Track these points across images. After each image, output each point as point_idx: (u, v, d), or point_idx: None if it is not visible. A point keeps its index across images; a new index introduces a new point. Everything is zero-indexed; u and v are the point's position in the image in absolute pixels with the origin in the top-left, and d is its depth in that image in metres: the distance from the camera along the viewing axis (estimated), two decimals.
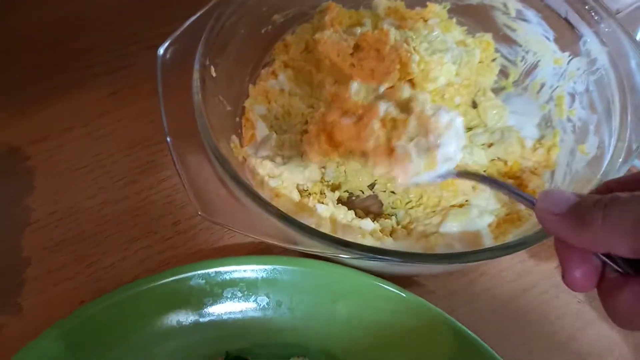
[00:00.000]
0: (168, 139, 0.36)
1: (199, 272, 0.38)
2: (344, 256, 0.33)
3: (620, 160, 0.36)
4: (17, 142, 0.49)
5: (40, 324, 0.36)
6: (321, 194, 0.43)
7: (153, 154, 0.49)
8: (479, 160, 0.43)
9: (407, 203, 0.44)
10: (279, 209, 0.33)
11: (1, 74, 0.52)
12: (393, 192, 0.45)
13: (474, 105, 0.49)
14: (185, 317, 0.37)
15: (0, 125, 0.50)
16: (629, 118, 0.37)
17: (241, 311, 0.38)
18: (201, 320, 0.38)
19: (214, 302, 0.38)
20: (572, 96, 0.44)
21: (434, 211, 0.42)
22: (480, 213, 0.40)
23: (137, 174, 0.47)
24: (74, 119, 0.50)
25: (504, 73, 0.50)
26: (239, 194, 0.34)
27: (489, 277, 0.43)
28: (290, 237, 0.33)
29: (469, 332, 0.35)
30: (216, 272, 0.38)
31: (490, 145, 0.45)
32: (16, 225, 0.45)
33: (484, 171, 0.44)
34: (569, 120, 0.44)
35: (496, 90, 0.49)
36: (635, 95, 0.37)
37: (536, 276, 0.43)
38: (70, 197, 0.46)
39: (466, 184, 0.41)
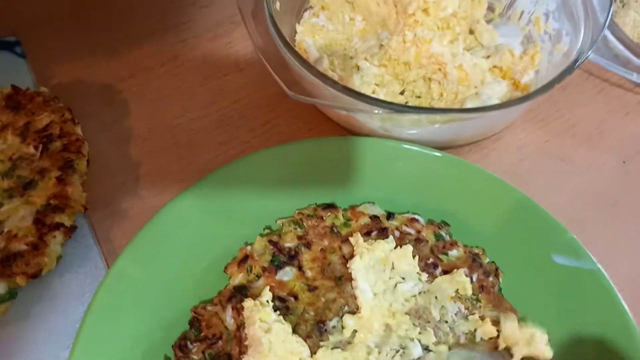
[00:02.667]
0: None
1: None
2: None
3: (587, 45, 0.50)
4: (109, 80, 0.60)
5: (157, 207, 0.46)
6: None
7: (223, 84, 0.60)
8: (481, 65, 0.57)
9: (430, 102, 0.57)
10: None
11: (82, 25, 0.63)
12: (419, 97, 0.58)
13: (471, 32, 0.62)
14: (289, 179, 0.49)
15: (92, 67, 0.60)
16: (590, 16, 0.51)
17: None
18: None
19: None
20: (547, 15, 0.59)
21: (453, 103, 0.55)
22: (489, 97, 0.53)
23: (213, 96, 0.59)
24: (152, 61, 0.61)
25: (491, 8, 0.64)
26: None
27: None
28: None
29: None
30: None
31: (488, 57, 0.59)
32: (122, 139, 0.56)
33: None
34: (546, 32, 0.59)
35: (486, 23, 0.63)
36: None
37: None
38: (161, 117, 0.57)
39: (476, 77, 0.55)
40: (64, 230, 0.47)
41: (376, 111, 0.44)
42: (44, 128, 0.52)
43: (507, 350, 0.41)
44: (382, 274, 0.43)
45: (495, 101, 0.53)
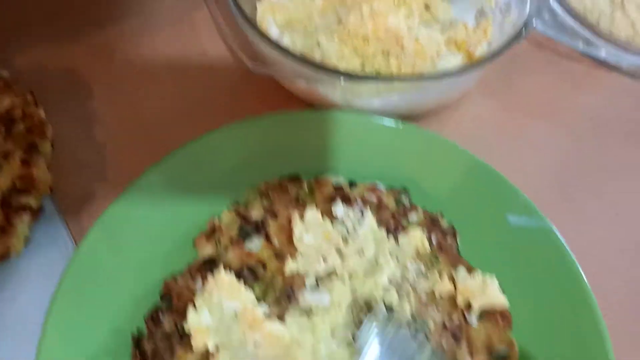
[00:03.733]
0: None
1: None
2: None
3: (533, 14, 0.53)
4: (71, 64, 0.60)
5: (125, 186, 0.47)
6: None
7: (187, 66, 0.61)
8: (436, 38, 0.59)
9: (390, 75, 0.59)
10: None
11: (44, 9, 0.63)
12: (378, 71, 0.59)
13: (427, 8, 0.64)
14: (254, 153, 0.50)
15: (54, 51, 0.60)
16: None
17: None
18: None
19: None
20: None
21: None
22: (445, 70, 0.56)
23: (178, 79, 0.59)
24: (115, 45, 0.62)
25: None
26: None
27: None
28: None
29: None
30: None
31: (443, 31, 0.61)
32: (86, 122, 0.56)
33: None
34: (497, 5, 0.61)
35: None
36: None
37: None
38: (126, 100, 0.58)
39: (432, 50, 0.57)
40: (31, 212, 0.48)
41: (338, 81, 0.45)
42: (6, 112, 0.52)
43: (467, 307, 0.44)
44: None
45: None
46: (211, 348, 0.39)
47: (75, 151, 0.54)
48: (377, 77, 0.47)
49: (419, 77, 0.48)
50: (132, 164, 0.52)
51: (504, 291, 0.44)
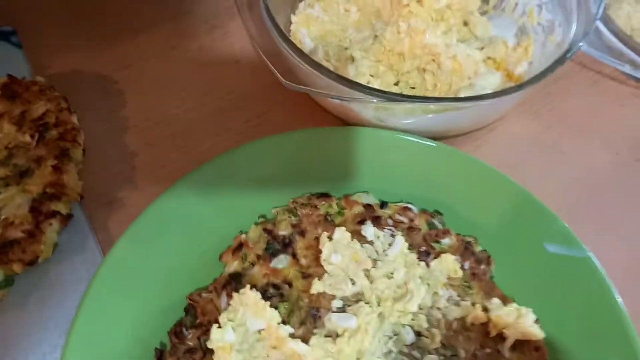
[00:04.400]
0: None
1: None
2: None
3: (580, 36, 0.51)
4: (105, 70, 0.60)
5: (153, 196, 0.46)
6: None
7: (218, 74, 0.61)
8: (474, 56, 0.57)
9: (424, 92, 0.57)
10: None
11: (79, 15, 0.63)
12: (413, 88, 0.58)
13: (465, 24, 0.63)
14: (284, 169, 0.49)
15: (88, 57, 0.60)
16: (583, 7, 0.52)
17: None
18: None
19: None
20: (540, 7, 0.59)
21: (446, 93, 0.56)
22: (483, 88, 0.54)
23: (209, 87, 0.59)
24: (149, 51, 0.62)
25: (485, 0, 0.64)
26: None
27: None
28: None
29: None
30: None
31: (481, 48, 0.60)
32: (118, 129, 0.56)
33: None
34: (539, 24, 0.59)
35: (480, 15, 0.64)
36: None
37: None
38: (157, 108, 0.58)
39: (470, 68, 0.55)
40: (60, 218, 0.48)
41: (371, 100, 0.44)
42: (40, 117, 0.53)
43: (500, 336, 0.42)
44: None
45: (488, 92, 0.54)
46: None
47: (106, 158, 0.54)
48: (412, 97, 0.45)
49: (456, 99, 0.47)
50: (163, 173, 0.53)
51: (538, 321, 0.42)
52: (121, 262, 0.44)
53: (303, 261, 0.45)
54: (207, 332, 0.41)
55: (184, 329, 0.42)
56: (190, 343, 0.42)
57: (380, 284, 0.43)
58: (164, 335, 0.43)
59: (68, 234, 0.48)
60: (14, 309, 0.45)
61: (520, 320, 0.41)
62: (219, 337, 0.40)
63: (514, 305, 0.42)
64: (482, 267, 0.46)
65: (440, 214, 0.49)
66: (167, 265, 0.45)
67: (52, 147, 0.51)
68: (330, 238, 0.44)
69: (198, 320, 0.43)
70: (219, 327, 0.40)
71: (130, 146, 0.55)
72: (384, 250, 0.45)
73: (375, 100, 0.45)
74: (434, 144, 0.51)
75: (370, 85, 0.46)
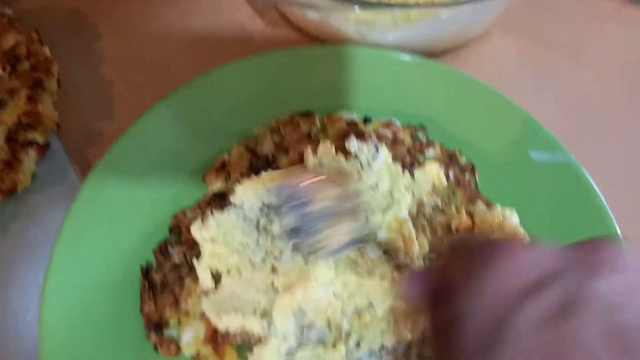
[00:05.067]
0: None
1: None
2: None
3: None
4: (75, 4, 0.58)
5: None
6: None
7: (193, 5, 0.59)
8: None
9: None
10: None
11: None
12: None
13: None
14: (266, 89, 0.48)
15: None
16: None
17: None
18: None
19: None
20: None
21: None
22: None
23: (184, 17, 0.57)
24: None
25: None
26: None
27: None
28: None
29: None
30: None
31: None
32: (93, 62, 0.54)
33: None
34: None
35: None
36: None
37: None
38: (133, 40, 0.56)
39: None
40: (38, 148, 0.47)
41: (352, 9, 0.43)
42: (11, 49, 0.51)
43: None
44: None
45: None
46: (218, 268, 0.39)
47: (82, 90, 0.52)
48: (392, 4, 0.44)
49: (438, 4, 0.45)
50: (140, 102, 0.51)
51: (524, 227, 0.42)
52: (100, 188, 0.43)
53: None
54: (192, 248, 0.41)
55: (169, 247, 0.42)
56: (176, 260, 0.41)
57: (366, 195, 0.43)
58: (149, 257, 0.42)
59: (47, 165, 0.48)
60: None
61: (505, 222, 0.41)
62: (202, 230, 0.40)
63: (498, 207, 0.42)
64: (467, 176, 0.45)
65: (424, 127, 0.48)
66: (149, 190, 0.45)
67: (25, 78, 0.49)
68: (314, 153, 0.44)
69: (183, 237, 0.42)
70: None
71: (107, 78, 0.53)
72: (368, 163, 0.44)
73: (356, 8, 0.44)
74: (418, 59, 0.50)
75: None
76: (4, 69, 0.50)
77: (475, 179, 0.46)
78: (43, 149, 0.47)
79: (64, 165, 0.48)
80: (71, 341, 0.38)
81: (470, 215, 0.42)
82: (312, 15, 0.50)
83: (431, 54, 0.54)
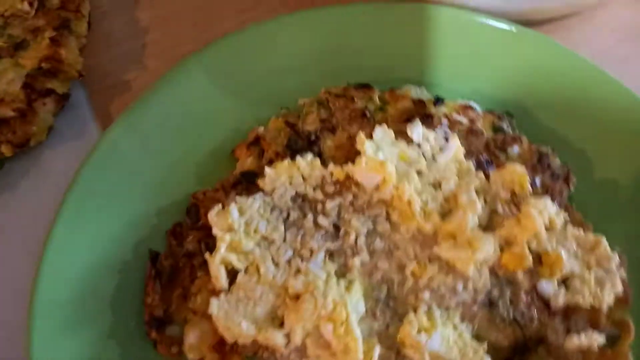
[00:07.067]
0: None
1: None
2: None
3: None
4: None
5: None
6: None
7: None
8: None
9: None
10: None
11: None
12: None
13: None
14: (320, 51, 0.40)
15: None
16: None
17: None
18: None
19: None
20: None
21: None
22: None
23: None
24: None
25: None
26: None
27: None
28: None
29: None
30: None
31: None
32: (129, 0, 0.48)
33: None
34: None
35: None
36: None
37: None
38: None
39: None
40: (56, 98, 0.41)
41: None
42: None
43: None
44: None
45: None
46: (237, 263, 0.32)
47: (113, 34, 0.46)
48: None
49: None
50: (177, 53, 0.45)
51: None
52: (118, 147, 0.37)
53: (330, 164, 0.36)
54: (210, 236, 0.35)
55: (183, 229, 0.36)
56: (190, 247, 0.35)
57: (424, 194, 0.34)
58: (161, 239, 0.36)
59: (66, 118, 0.42)
60: (2, 192, 0.40)
61: (598, 249, 0.32)
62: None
63: (590, 229, 0.32)
64: (559, 184, 0.36)
65: (511, 115, 0.38)
66: (171, 158, 0.38)
67: (52, 17, 0.44)
68: (369, 137, 0.35)
69: (201, 222, 0.36)
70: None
71: (142, 21, 0.47)
72: (433, 155, 0.36)
73: None
74: (515, 29, 0.39)
75: None
76: (31, 5, 0.44)
77: (570, 188, 0.36)
78: (62, 100, 0.42)
79: (85, 119, 0.43)
80: (62, 335, 0.33)
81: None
82: None
83: (532, 22, 0.43)
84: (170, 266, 0.35)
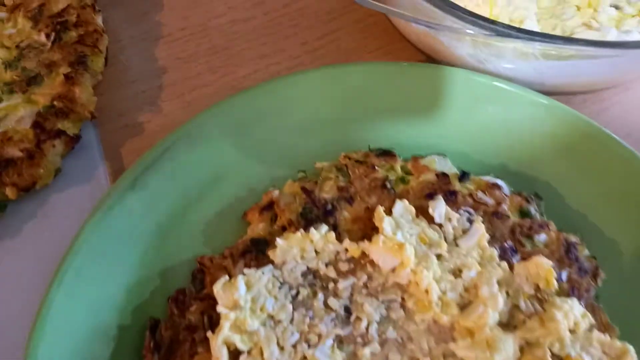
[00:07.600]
0: None
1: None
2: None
3: None
4: None
5: (179, 122, 0.38)
6: None
7: None
8: None
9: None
10: None
11: None
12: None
13: None
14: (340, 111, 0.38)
15: None
16: None
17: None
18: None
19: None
20: None
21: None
22: (627, 32, 0.39)
23: None
24: None
25: None
26: None
27: None
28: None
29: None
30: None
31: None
32: (149, 36, 0.46)
33: None
34: None
35: None
36: None
37: None
38: (199, 15, 0.47)
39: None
40: (66, 140, 0.40)
41: (469, 31, 0.31)
42: (60, 13, 0.44)
43: None
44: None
45: (637, 36, 0.38)
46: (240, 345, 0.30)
47: (129, 72, 0.45)
48: (531, 33, 0.32)
49: (595, 43, 0.32)
50: (194, 97, 0.43)
51: None
52: (125, 202, 0.36)
53: (346, 238, 0.34)
54: (213, 308, 0.33)
55: (187, 297, 0.34)
56: (192, 318, 0.33)
57: (443, 282, 0.32)
58: (163, 302, 0.34)
59: (74, 160, 0.41)
60: (5, 238, 0.39)
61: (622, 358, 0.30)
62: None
63: (615, 338, 0.30)
64: (586, 280, 0.33)
65: (540, 198, 0.36)
66: (179, 215, 0.37)
67: (69, 51, 0.42)
68: (388, 212, 0.33)
69: (205, 291, 0.34)
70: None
71: (160, 60, 0.45)
72: (454, 239, 0.34)
73: (473, 32, 0.32)
74: (546, 101, 0.37)
75: (472, 11, 0.32)
76: (47, 37, 0.43)
77: (597, 284, 0.34)
78: (72, 142, 0.40)
79: (94, 162, 0.41)
80: None
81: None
82: (418, 26, 0.38)
83: (562, 92, 0.41)
84: (170, 338, 0.33)
